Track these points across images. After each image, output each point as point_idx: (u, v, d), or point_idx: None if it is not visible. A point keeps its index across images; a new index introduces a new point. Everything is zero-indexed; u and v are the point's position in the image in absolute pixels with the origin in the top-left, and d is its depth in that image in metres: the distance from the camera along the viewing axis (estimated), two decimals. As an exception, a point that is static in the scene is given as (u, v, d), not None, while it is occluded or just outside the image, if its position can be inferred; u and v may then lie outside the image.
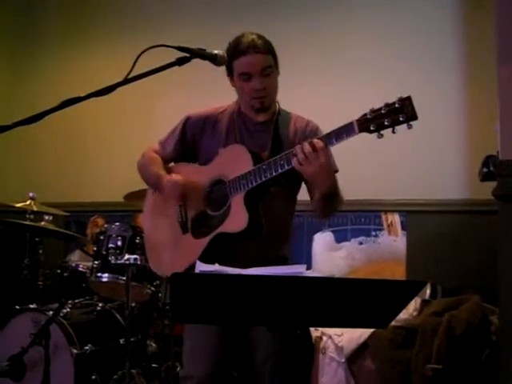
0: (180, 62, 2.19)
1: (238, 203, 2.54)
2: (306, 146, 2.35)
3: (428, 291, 4.14)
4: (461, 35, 4.67)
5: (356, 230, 4.76)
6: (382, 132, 2.21)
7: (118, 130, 5.55)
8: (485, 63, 3.71)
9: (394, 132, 2.20)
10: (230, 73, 2.68)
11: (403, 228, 4.63)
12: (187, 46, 2.23)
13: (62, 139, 5.80)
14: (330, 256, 4.80)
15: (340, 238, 4.80)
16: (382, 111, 2.19)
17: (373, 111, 2.22)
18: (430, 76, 4.65)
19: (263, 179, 2.47)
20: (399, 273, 4.53)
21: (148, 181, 2.90)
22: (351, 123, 2.26)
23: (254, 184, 2.50)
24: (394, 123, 2.18)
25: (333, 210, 2.72)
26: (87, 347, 3.77)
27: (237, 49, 2.61)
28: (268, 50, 2.64)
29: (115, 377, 3.73)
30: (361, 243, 4.74)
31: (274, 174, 2.45)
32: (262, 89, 2.62)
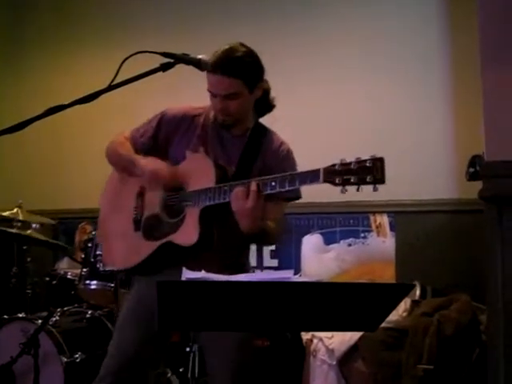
0: (164, 67, 2.19)
1: (192, 216, 2.51)
2: (239, 187, 2.34)
3: (418, 292, 4.15)
4: (447, 34, 4.66)
5: (345, 231, 4.76)
6: (345, 187, 2.12)
7: (104, 134, 5.51)
8: (472, 62, 3.71)
9: (358, 190, 2.10)
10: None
11: (392, 229, 4.63)
12: (172, 51, 2.23)
13: (48, 145, 5.78)
14: (319, 258, 4.80)
15: (329, 239, 4.80)
16: (352, 166, 2.09)
17: (342, 164, 2.12)
18: (417, 76, 4.66)
19: (221, 200, 2.43)
20: (389, 273, 4.53)
21: (117, 163, 2.85)
22: (317, 171, 2.18)
23: (212, 203, 2.46)
24: (360, 182, 2.08)
25: (260, 245, 2.69)
26: (77, 355, 3.76)
27: (212, 62, 2.47)
28: (238, 73, 2.52)
29: (105, 384, 3.70)
30: (350, 245, 4.74)
31: (227, 199, 2.41)
32: (221, 109, 2.57)
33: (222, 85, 2.51)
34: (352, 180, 2.09)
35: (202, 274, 1.78)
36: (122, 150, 2.81)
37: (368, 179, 2.07)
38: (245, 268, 2.74)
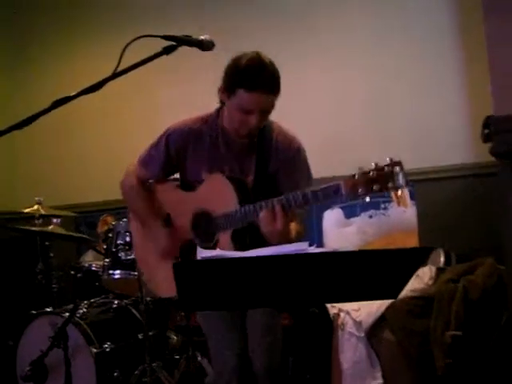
0: (167, 50, 2.17)
1: (225, 240, 2.53)
2: (265, 211, 2.33)
3: (442, 259, 4.12)
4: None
5: (365, 203, 4.73)
6: (368, 196, 2.09)
7: (118, 126, 5.54)
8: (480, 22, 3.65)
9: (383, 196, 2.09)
10: (227, 91, 2.55)
11: (412, 198, 4.59)
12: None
13: (62, 140, 5.79)
14: (340, 232, 4.78)
15: (349, 213, 4.77)
16: (371, 175, 2.04)
17: (362, 174, 2.07)
18: (425, 42, 4.62)
19: (248, 222, 2.45)
20: (411, 243, 4.49)
21: (135, 212, 2.94)
22: (339, 185, 2.14)
23: (239, 225, 2.48)
24: (383, 190, 2.05)
25: None
26: (106, 345, 3.80)
27: (249, 78, 2.46)
28: (278, 89, 2.53)
29: (136, 372, 3.74)
30: (371, 217, 4.71)
31: (254, 222, 2.41)
32: (255, 125, 2.55)
33: (265, 103, 2.51)
34: (374, 188, 2.05)
35: (216, 252, 1.78)
36: (135, 202, 2.88)
37: (390, 185, 2.02)
38: None
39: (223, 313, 2.70)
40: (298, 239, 2.61)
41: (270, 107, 2.54)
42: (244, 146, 2.69)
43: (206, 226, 2.62)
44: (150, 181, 2.89)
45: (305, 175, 2.73)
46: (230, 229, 2.52)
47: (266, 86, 2.47)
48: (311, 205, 2.28)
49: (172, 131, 2.76)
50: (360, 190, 2.08)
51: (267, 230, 2.36)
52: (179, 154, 2.74)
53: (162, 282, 2.75)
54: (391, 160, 2.03)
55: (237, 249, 2.48)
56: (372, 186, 2.05)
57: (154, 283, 2.90)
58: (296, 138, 2.75)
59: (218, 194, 2.60)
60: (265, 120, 2.60)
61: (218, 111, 2.74)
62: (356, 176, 2.08)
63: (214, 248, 2.57)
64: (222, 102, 2.67)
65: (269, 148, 2.68)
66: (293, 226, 2.53)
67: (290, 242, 2.46)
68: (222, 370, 2.69)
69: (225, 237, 2.54)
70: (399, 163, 2.02)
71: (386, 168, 2.03)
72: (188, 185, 2.77)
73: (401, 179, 2.01)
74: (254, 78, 2.45)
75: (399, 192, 2.02)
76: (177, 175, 2.91)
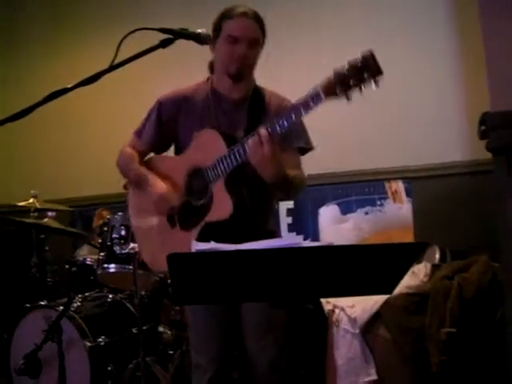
0: (164, 44, 2.17)
1: (219, 190, 2.52)
2: (252, 140, 2.35)
3: (437, 255, 4.12)
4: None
5: (361, 200, 4.73)
6: (348, 94, 2.13)
7: (114, 120, 5.52)
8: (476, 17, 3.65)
9: (361, 92, 2.11)
10: (216, 35, 2.63)
11: (408, 195, 4.60)
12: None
13: (59, 135, 5.78)
14: (336, 229, 4.78)
15: (345, 209, 4.77)
16: (346, 72, 2.11)
17: (335, 73, 2.14)
18: (425, 38, 4.63)
19: (239, 161, 2.44)
20: (407, 240, 4.47)
21: (131, 179, 2.90)
22: (316, 90, 2.20)
23: (231, 167, 2.47)
24: (360, 82, 2.09)
25: (286, 195, 2.73)
26: (100, 339, 3.79)
27: (231, 11, 2.61)
28: (260, 24, 2.64)
29: (130, 366, 3.73)
30: (367, 213, 4.71)
31: (244, 158, 2.42)
32: (243, 56, 2.59)
33: (249, 27, 2.60)
34: (351, 83, 2.10)
35: (211, 245, 1.77)
36: (132, 166, 2.83)
37: (366, 76, 2.08)
38: (275, 236, 2.76)
39: (211, 311, 2.69)
40: (297, 186, 2.65)
41: (257, 37, 2.62)
42: (236, 103, 2.70)
43: (198, 182, 2.61)
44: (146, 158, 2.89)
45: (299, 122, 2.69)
46: (223, 176, 2.50)
47: (250, 14, 2.61)
48: (295, 122, 2.31)
49: (163, 99, 2.80)
50: (338, 89, 2.13)
51: (256, 160, 2.36)
52: (171, 120, 2.76)
53: (160, 256, 2.73)
54: (361, 53, 2.08)
55: (232, 197, 2.49)
56: (349, 82, 2.10)
57: (151, 258, 2.86)
58: (288, 99, 2.74)
59: (206, 146, 2.59)
60: (253, 55, 2.64)
61: (208, 78, 2.79)
62: (331, 78, 2.14)
63: (209, 202, 2.55)
64: (211, 69, 2.75)
65: (262, 103, 2.71)
66: (291, 171, 2.55)
67: (285, 177, 2.50)
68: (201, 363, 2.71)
69: (219, 187, 2.52)
70: (370, 53, 2.08)
71: (358, 61, 2.08)
72: (181, 151, 2.77)
73: (375, 67, 2.06)
74: (237, 8, 2.63)
75: (375, 84, 2.06)
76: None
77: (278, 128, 2.32)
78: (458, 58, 4.55)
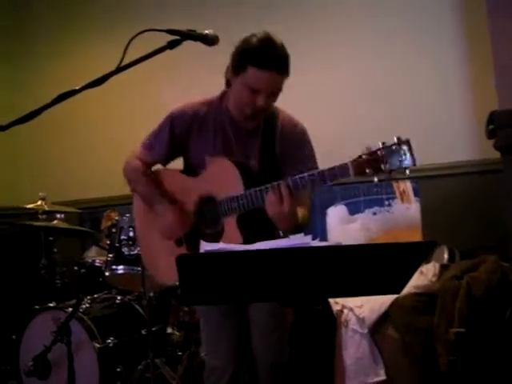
0: (171, 45, 2.15)
1: (231, 225, 2.51)
2: (272, 194, 2.33)
3: (446, 255, 4.11)
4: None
5: (369, 200, 4.72)
6: (377, 176, 2.10)
7: (122, 121, 5.54)
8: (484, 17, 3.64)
9: (390, 175, 2.09)
10: (237, 69, 2.51)
11: (416, 194, 4.59)
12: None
13: (67, 137, 5.80)
14: (344, 229, 4.77)
15: (353, 209, 4.77)
16: (379, 154, 2.07)
17: (369, 154, 2.09)
18: (431, 36, 4.63)
19: (254, 206, 2.43)
20: (415, 239, 4.48)
21: (141, 197, 2.85)
22: (346, 166, 2.15)
23: (246, 209, 2.46)
24: (392, 169, 2.07)
25: (297, 232, 2.74)
26: (109, 340, 3.81)
27: (261, 56, 2.43)
28: (288, 71, 2.51)
29: (140, 367, 3.74)
30: (375, 213, 4.71)
31: (261, 205, 2.40)
32: (264, 106, 2.51)
33: (276, 82, 2.48)
34: (382, 168, 2.06)
35: (220, 246, 1.77)
36: (142, 185, 2.80)
37: (398, 164, 2.04)
38: None
39: (223, 312, 2.69)
40: (304, 224, 2.60)
41: (278, 89, 2.52)
42: (249, 130, 2.66)
43: (210, 211, 2.60)
44: (153, 168, 2.86)
45: (311, 156, 2.69)
46: (236, 214, 2.49)
47: (277, 66, 2.45)
48: (318, 186, 2.28)
49: (176, 114, 2.73)
50: (368, 170, 2.09)
51: (274, 213, 2.35)
52: (183, 137, 2.71)
53: (164, 267, 2.72)
54: (398, 139, 2.03)
55: (243, 234, 2.47)
56: (379, 166, 2.06)
57: (154, 268, 2.86)
58: (300, 122, 2.73)
59: (222, 178, 2.57)
60: (272, 102, 2.58)
61: (223, 94, 2.71)
62: (363, 156, 2.10)
63: (220, 234, 2.55)
64: (228, 84, 2.64)
65: (274, 132, 2.65)
66: (299, 210, 2.51)
67: (297, 226, 2.47)
68: (218, 365, 2.70)
69: (231, 222, 2.51)
70: (407, 142, 2.04)
71: (393, 147, 2.04)
72: (191, 170, 2.74)
73: (408, 158, 2.02)
74: (266, 56, 2.43)
75: (407, 172, 2.03)
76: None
77: (299, 187, 2.30)
78: (466, 57, 4.54)
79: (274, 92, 2.52)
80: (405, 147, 2.04)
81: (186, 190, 2.71)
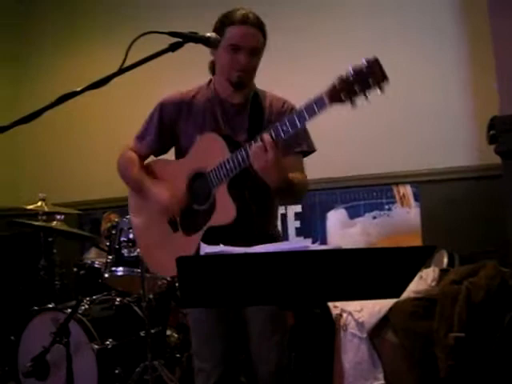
0: (173, 47, 2.16)
1: (222, 194, 2.50)
2: (255, 146, 2.34)
3: (445, 260, 4.11)
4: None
5: (369, 204, 4.73)
6: (353, 100, 2.12)
7: (122, 123, 5.53)
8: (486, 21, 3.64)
9: (366, 98, 2.10)
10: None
11: (416, 199, 4.59)
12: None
13: (67, 138, 5.81)
14: (344, 233, 4.78)
15: (353, 213, 4.78)
16: (350, 78, 2.10)
17: (340, 79, 2.12)
18: (430, 38, 4.64)
19: (242, 166, 2.43)
20: (415, 244, 4.48)
21: (131, 186, 2.85)
22: (320, 95, 2.19)
23: (234, 172, 2.46)
24: (365, 88, 2.09)
25: (290, 200, 2.71)
26: (108, 342, 3.80)
27: (233, 16, 2.56)
28: (262, 29, 2.61)
29: (138, 369, 3.73)
30: (374, 218, 4.71)
31: (247, 163, 2.41)
32: (245, 65, 2.57)
33: (252, 37, 2.56)
34: (356, 89, 2.10)
35: (220, 248, 1.77)
36: (132, 172, 2.79)
37: (371, 82, 2.07)
38: (279, 239, 2.79)
39: (214, 314, 2.68)
40: (300, 190, 2.64)
41: (258, 45, 2.59)
42: (237, 107, 2.68)
43: (201, 186, 2.59)
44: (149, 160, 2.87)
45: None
46: (226, 180, 2.49)
47: (253, 22, 2.56)
48: (299, 127, 2.29)
49: (165, 101, 2.76)
50: (343, 95, 2.12)
51: (260, 165, 2.34)
52: (173, 122, 2.73)
53: (162, 260, 2.72)
54: (366, 59, 2.07)
55: (235, 201, 2.47)
56: (354, 88, 2.09)
57: (154, 263, 2.85)
58: (289, 100, 2.75)
59: (208, 150, 2.57)
60: (254, 64, 2.62)
61: (210, 81, 2.77)
62: (336, 83, 2.13)
63: (212, 207, 2.54)
64: (213, 72, 2.72)
65: (262, 108, 2.68)
66: (293, 175, 2.53)
67: (288, 182, 2.48)
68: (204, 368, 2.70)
69: (222, 191, 2.50)
70: (375, 59, 2.07)
71: (364, 68, 2.07)
72: (182, 155, 2.75)
73: (380, 73, 2.05)
74: (241, 15, 2.56)
75: (381, 90, 2.06)
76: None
77: (281, 133, 2.31)
78: (467, 62, 4.54)
79: (254, 49, 2.58)
80: (375, 65, 2.06)
81: (177, 172, 2.70)
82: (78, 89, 1.98)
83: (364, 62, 2.08)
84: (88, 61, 5.62)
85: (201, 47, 2.22)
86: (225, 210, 2.48)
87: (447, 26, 4.59)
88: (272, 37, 2.66)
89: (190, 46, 2.14)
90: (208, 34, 2.24)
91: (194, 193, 2.64)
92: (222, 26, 2.58)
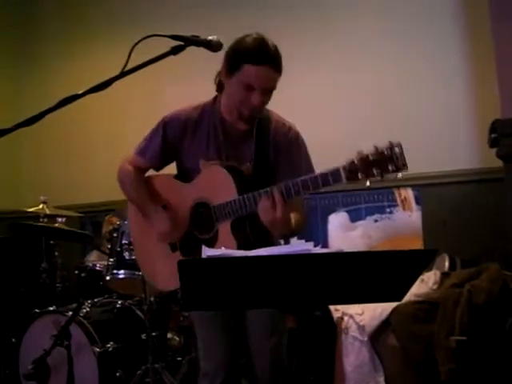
0: (175, 50, 2.16)
1: (225, 231, 2.52)
2: (265, 199, 2.33)
3: (447, 263, 4.10)
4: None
5: (370, 207, 4.73)
6: (369, 180, 2.10)
7: (124, 126, 5.54)
8: (487, 25, 3.63)
9: (382, 179, 2.08)
10: (231, 69, 2.52)
11: (417, 202, 4.59)
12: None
13: (69, 141, 5.81)
14: (346, 236, 4.77)
15: (355, 217, 4.77)
16: (370, 159, 2.05)
17: (361, 159, 2.08)
18: (432, 41, 4.63)
19: (248, 212, 2.44)
20: (416, 247, 4.48)
21: (133, 201, 2.85)
22: (337, 171, 2.14)
23: (239, 215, 2.47)
24: (383, 173, 2.06)
25: (289, 238, 2.74)
26: (109, 345, 3.80)
27: (256, 53, 2.46)
28: (281, 69, 2.52)
29: (139, 372, 3.73)
30: (376, 221, 4.70)
31: (254, 210, 2.41)
32: (258, 105, 2.53)
33: (270, 80, 2.50)
34: (374, 172, 2.06)
35: (221, 251, 1.77)
36: (134, 191, 2.80)
37: (390, 168, 2.03)
38: None
39: (217, 317, 2.68)
40: (299, 230, 2.62)
41: (273, 86, 2.53)
42: (242, 133, 2.66)
43: (204, 217, 2.60)
44: (146, 174, 2.86)
45: (305, 160, 2.71)
46: (230, 219, 2.50)
47: (271, 61, 2.47)
48: (311, 191, 2.27)
49: (169, 119, 2.73)
50: (360, 175, 2.09)
51: (267, 219, 2.35)
52: (176, 141, 2.72)
53: (160, 275, 2.74)
54: (391, 143, 2.02)
55: (237, 240, 2.48)
56: (372, 170, 2.06)
57: (151, 275, 2.86)
58: (293, 125, 2.74)
59: (216, 184, 2.57)
60: (267, 101, 2.58)
61: (215, 99, 2.73)
62: (355, 161, 2.09)
63: (214, 239, 2.56)
64: (220, 89, 2.68)
65: (267, 135, 2.66)
66: (293, 216, 2.51)
67: (291, 231, 2.49)
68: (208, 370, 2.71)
69: (224, 227, 2.52)
70: (399, 145, 2.03)
71: (385, 151, 2.03)
72: (184, 175, 2.75)
73: (401, 161, 2.02)
74: (260, 53, 2.46)
75: (399, 175, 2.03)
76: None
77: (292, 193, 2.30)
78: (468, 65, 4.53)
79: (269, 89, 2.53)
80: (397, 151, 2.03)
81: (180, 196, 2.71)
82: (80, 92, 1.99)
83: (388, 144, 2.04)
84: (89, 62, 5.63)
85: (202, 50, 2.22)
86: (226, 245, 2.47)
87: (449, 30, 4.59)
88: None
89: (191, 48, 2.14)
90: (210, 38, 2.24)
91: (197, 220, 2.65)
92: (237, 58, 2.49)
